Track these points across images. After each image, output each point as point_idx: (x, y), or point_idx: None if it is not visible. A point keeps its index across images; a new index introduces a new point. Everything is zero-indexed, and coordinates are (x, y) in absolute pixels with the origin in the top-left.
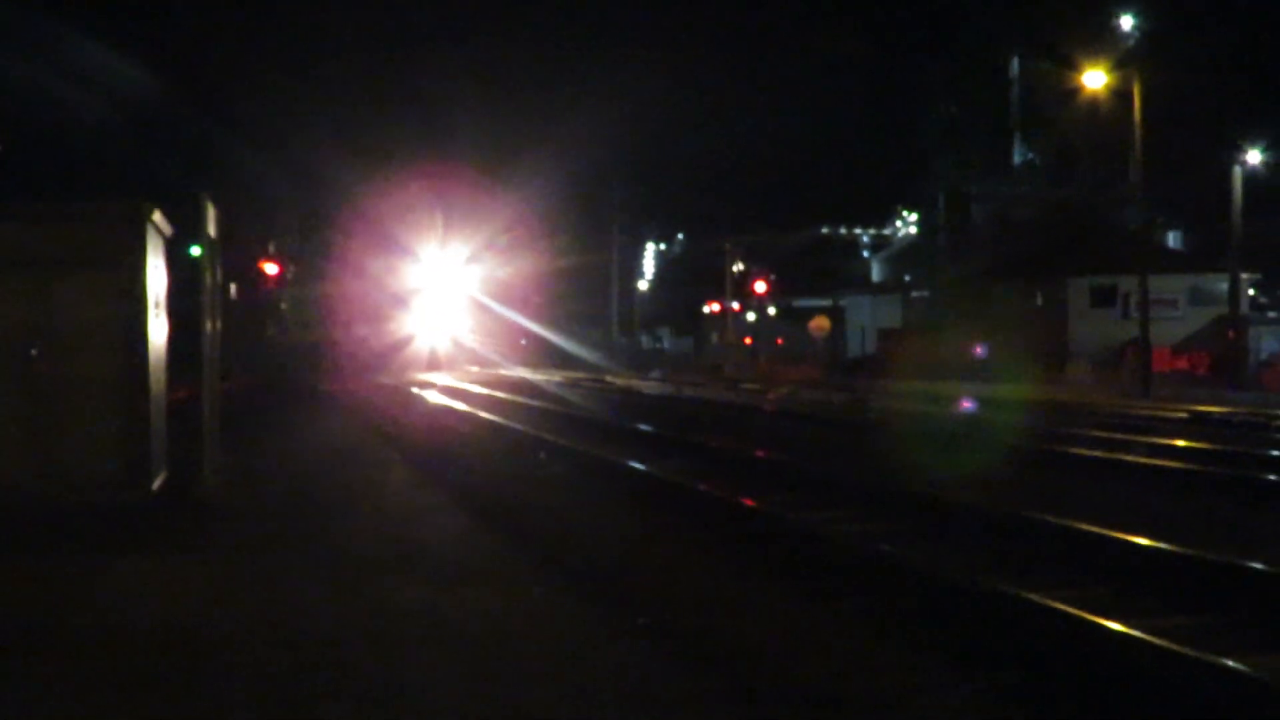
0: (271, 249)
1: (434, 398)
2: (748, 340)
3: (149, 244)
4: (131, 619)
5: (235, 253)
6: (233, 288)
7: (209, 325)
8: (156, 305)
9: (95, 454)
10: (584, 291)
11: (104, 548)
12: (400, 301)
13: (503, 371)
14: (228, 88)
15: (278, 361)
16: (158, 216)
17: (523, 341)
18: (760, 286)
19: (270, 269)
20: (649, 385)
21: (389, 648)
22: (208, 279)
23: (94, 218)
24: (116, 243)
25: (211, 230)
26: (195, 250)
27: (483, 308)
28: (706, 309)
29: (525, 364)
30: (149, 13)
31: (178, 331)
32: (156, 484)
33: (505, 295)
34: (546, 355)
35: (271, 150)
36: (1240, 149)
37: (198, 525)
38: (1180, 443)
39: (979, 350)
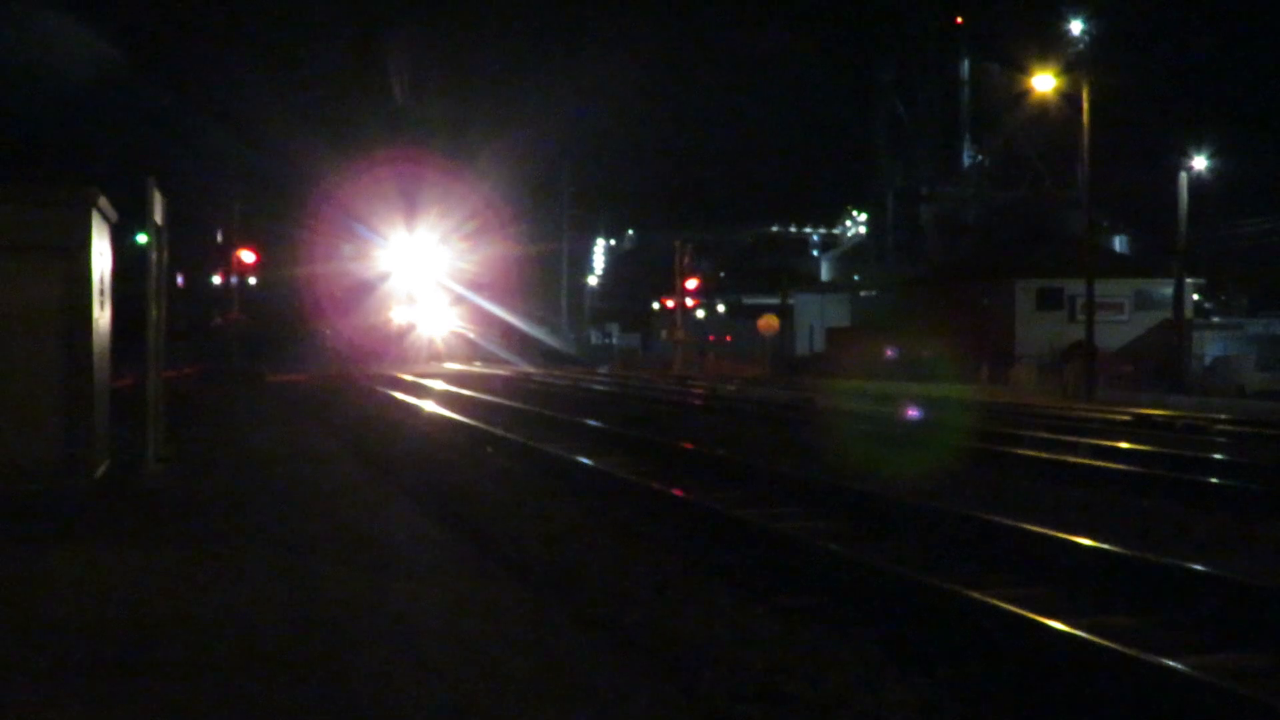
0: (219, 238)
1: (391, 394)
2: (688, 337)
3: (94, 229)
4: (69, 609)
5: (183, 240)
6: (179, 276)
7: (154, 313)
8: (101, 292)
9: (36, 441)
10: (534, 285)
11: (44, 537)
12: (362, 292)
13: (475, 368)
14: (184, 71)
15: (223, 351)
16: (103, 201)
17: (471, 335)
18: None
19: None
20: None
21: (335, 639)
22: (154, 266)
23: (38, 201)
24: (61, 227)
25: (158, 217)
26: (141, 237)
27: (453, 300)
28: (656, 305)
29: (501, 359)
30: None
31: (123, 319)
32: (99, 472)
33: (470, 287)
34: (518, 349)
35: (225, 135)
36: (1187, 155)
37: (140, 515)
38: (1124, 445)
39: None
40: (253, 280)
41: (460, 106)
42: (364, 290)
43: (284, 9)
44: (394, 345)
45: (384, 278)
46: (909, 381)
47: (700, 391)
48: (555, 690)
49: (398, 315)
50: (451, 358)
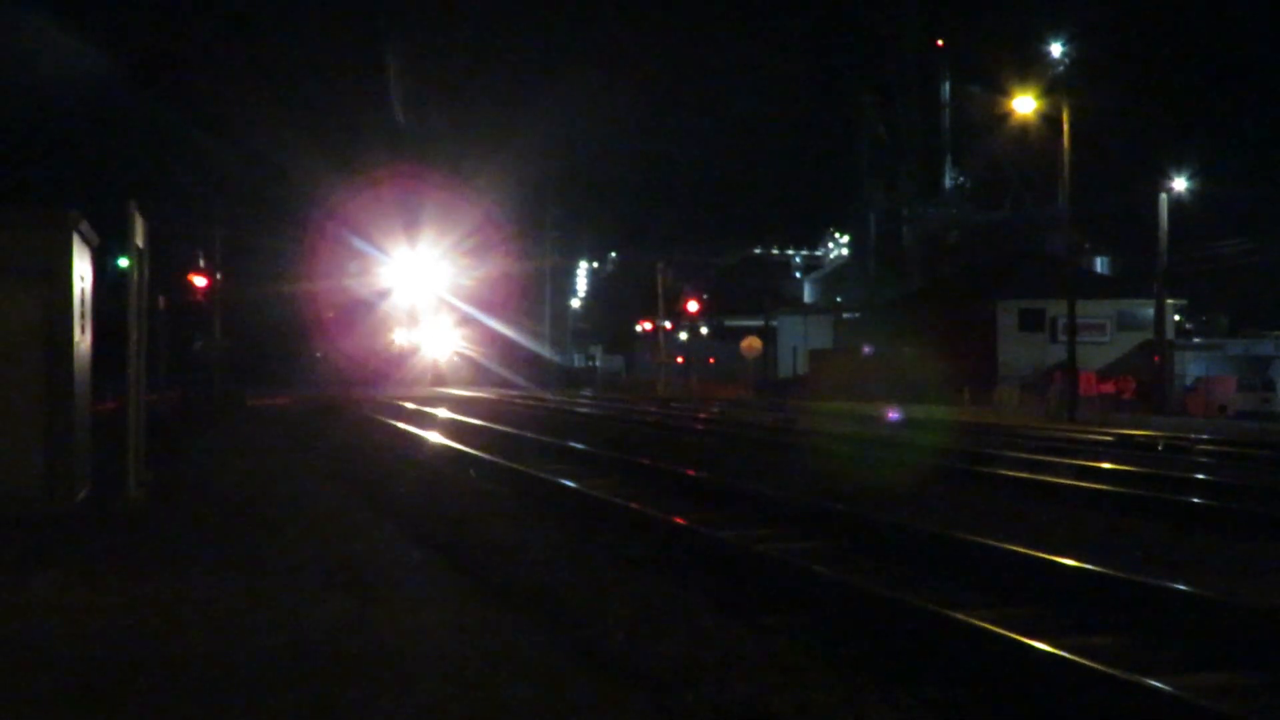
0: (202, 261)
1: (374, 417)
2: (680, 359)
3: (75, 252)
4: (48, 634)
5: (165, 262)
6: (160, 299)
7: (135, 336)
8: (82, 315)
9: (16, 465)
10: (521, 306)
11: (23, 560)
12: (358, 311)
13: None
14: (173, 88)
15: (205, 374)
16: (85, 225)
17: (476, 356)
18: (693, 306)
19: (199, 281)
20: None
21: (311, 665)
22: (134, 289)
23: (18, 224)
24: (42, 251)
25: (139, 240)
26: (123, 261)
27: (458, 320)
28: (639, 328)
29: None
30: (103, 5)
31: (104, 342)
32: (79, 497)
33: (470, 307)
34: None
35: (210, 154)
36: (1167, 176)
37: (120, 540)
38: (1106, 465)
39: (866, 349)
40: (211, 304)
41: (457, 126)
42: (360, 309)
43: (278, 25)
44: (395, 368)
45: (382, 296)
46: (892, 402)
47: (684, 417)
48: (540, 713)
49: (399, 337)
50: (456, 381)
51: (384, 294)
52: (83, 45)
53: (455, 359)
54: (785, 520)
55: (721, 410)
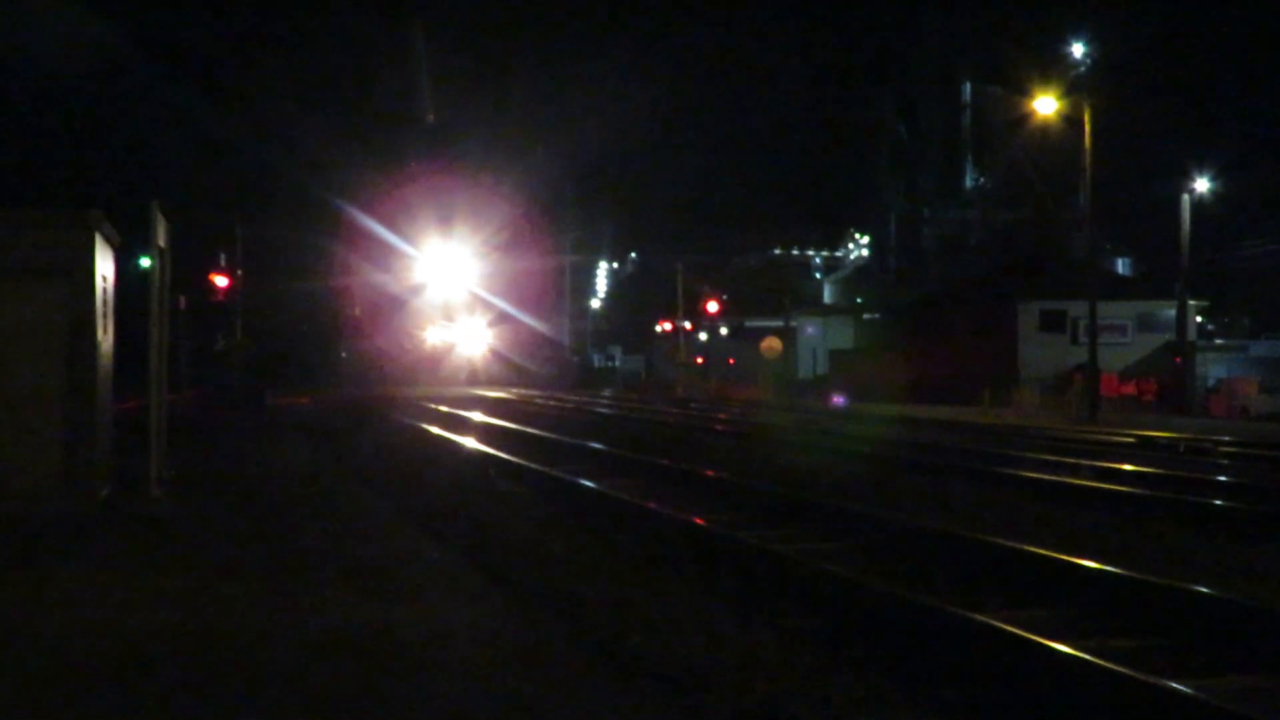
0: (223, 260)
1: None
2: (699, 360)
3: (98, 252)
4: (71, 631)
5: (187, 262)
6: (181, 299)
7: (157, 335)
8: (104, 314)
9: (39, 464)
10: (544, 307)
11: (46, 559)
12: (379, 309)
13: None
14: (198, 84)
15: (226, 375)
16: (106, 225)
17: (487, 356)
18: (713, 306)
19: (220, 281)
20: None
21: (334, 665)
22: (156, 289)
23: (41, 224)
24: (64, 250)
25: (161, 240)
26: (145, 261)
27: (493, 319)
28: (659, 328)
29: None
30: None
31: (125, 341)
32: (101, 495)
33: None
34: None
35: (231, 153)
36: (1189, 177)
37: (142, 538)
38: (1127, 467)
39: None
40: (233, 304)
41: (481, 125)
42: (387, 307)
43: (303, 20)
44: (425, 367)
45: (410, 293)
46: (912, 404)
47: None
48: (560, 712)
49: (430, 335)
50: (488, 380)
51: (412, 291)
52: (107, 42)
53: (487, 357)
54: (807, 521)
55: (742, 411)
